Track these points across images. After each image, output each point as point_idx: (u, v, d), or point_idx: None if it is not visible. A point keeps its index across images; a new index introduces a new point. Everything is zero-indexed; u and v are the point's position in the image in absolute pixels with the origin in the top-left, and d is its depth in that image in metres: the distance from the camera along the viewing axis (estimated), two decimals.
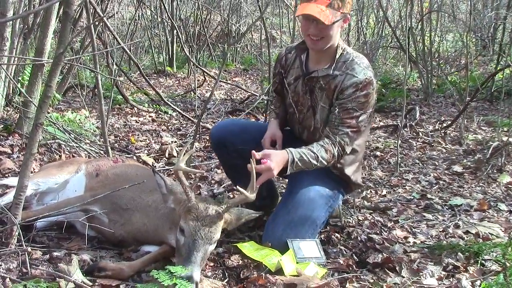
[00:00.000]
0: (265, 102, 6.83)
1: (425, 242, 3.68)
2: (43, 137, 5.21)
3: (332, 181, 3.69)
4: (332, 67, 3.48)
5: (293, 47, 3.80)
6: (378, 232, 3.83)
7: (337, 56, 3.50)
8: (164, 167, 5.38)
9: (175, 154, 5.82)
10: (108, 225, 3.30)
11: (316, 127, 3.64)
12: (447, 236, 3.80)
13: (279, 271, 3.03)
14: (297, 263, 3.16)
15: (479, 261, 3.26)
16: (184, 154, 3.07)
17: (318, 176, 3.60)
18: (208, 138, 6.57)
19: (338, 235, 3.76)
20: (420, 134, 7.32)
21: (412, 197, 4.77)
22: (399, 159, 5.79)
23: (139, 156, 5.41)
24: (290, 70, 3.76)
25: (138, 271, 2.95)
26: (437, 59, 11.28)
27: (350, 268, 3.22)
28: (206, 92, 10.71)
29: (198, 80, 10.65)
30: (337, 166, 3.65)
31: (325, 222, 3.73)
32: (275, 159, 3.23)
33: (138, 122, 7.61)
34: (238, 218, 3.13)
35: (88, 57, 9.28)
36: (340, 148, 3.45)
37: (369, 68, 3.51)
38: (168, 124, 7.63)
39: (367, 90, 3.42)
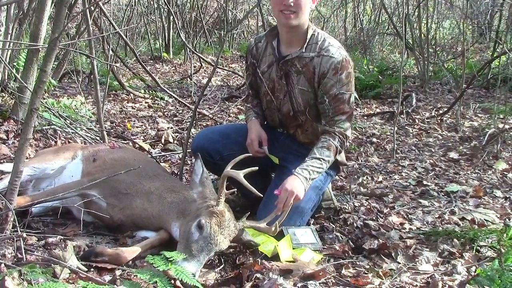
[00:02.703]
0: None
1: (421, 228, 3.69)
2: (39, 123, 5.18)
3: None
4: (305, 47, 3.50)
5: (262, 36, 3.80)
6: (374, 218, 3.83)
7: (308, 37, 3.51)
8: (160, 153, 5.37)
9: (171, 140, 5.81)
10: (106, 209, 3.30)
11: (298, 110, 3.63)
12: (442, 223, 3.81)
13: (276, 257, 3.04)
14: (293, 248, 3.17)
15: (475, 247, 3.28)
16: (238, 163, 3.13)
17: None
18: (204, 125, 6.57)
19: (334, 222, 3.78)
20: (417, 120, 7.32)
21: (408, 184, 4.77)
22: (396, 145, 5.79)
23: (135, 142, 5.40)
24: (262, 59, 3.75)
25: (135, 256, 2.96)
26: (434, 46, 11.26)
27: (346, 254, 3.23)
28: (203, 78, 10.69)
29: (195, 66, 10.62)
30: None
31: (317, 206, 3.74)
32: (292, 185, 3.24)
33: (134, 108, 7.59)
34: (239, 238, 3.12)
35: (84, 43, 9.23)
36: (341, 137, 3.49)
37: (342, 48, 3.55)
38: (164, 110, 7.61)
39: (347, 70, 3.45)
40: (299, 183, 3.27)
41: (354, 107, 3.56)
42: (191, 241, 2.87)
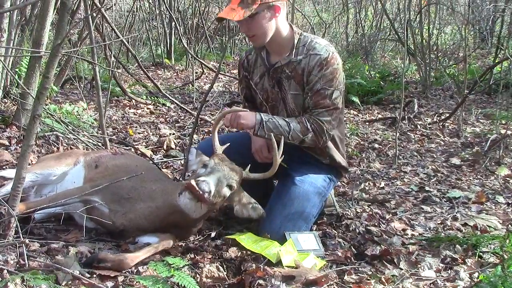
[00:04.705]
0: None
1: (423, 235, 3.69)
2: (41, 129, 5.19)
3: (323, 170, 3.71)
4: (293, 53, 3.51)
5: (252, 48, 3.82)
6: (376, 224, 3.83)
7: (296, 42, 3.53)
8: (162, 159, 5.37)
9: (173, 146, 5.82)
10: (108, 215, 3.29)
11: (294, 116, 3.61)
12: (445, 229, 3.80)
13: (279, 262, 3.04)
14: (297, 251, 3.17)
15: (477, 253, 3.27)
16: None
17: (310, 168, 3.64)
18: (206, 131, 6.58)
19: (336, 228, 3.77)
20: (419, 126, 7.32)
21: (410, 190, 4.77)
22: (398, 151, 5.79)
23: (137, 148, 5.40)
24: (254, 70, 3.77)
25: (137, 262, 2.95)
26: (436, 52, 11.27)
27: (349, 260, 3.22)
28: (205, 84, 10.70)
29: (196, 72, 10.64)
30: (329, 153, 3.68)
31: (320, 212, 3.74)
32: (244, 112, 3.41)
33: (136, 114, 7.60)
34: (246, 202, 3.24)
35: (86, 49, 9.26)
36: (315, 126, 3.45)
37: (330, 45, 3.54)
38: (166, 116, 7.62)
39: (332, 66, 3.43)
40: (251, 116, 3.40)
41: (339, 105, 3.51)
42: (199, 173, 3.10)
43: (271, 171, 3.31)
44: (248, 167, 3.30)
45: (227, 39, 14.13)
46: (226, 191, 3.13)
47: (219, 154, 3.23)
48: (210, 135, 3.53)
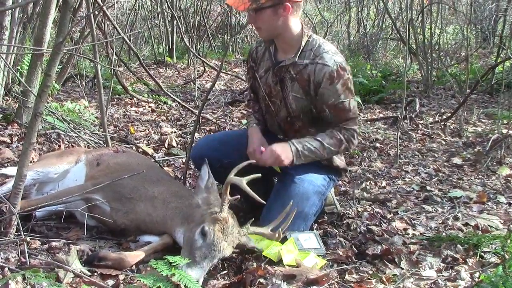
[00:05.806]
0: None
1: (425, 234, 3.68)
2: (42, 127, 5.19)
3: (323, 170, 3.70)
4: (298, 55, 3.49)
5: (263, 40, 3.80)
6: (377, 223, 3.83)
7: (303, 44, 3.50)
8: (163, 157, 5.37)
9: (174, 144, 5.82)
10: (110, 213, 3.30)
11: (295, 116, 3.63)
12: (446, 228, 3.79)
13: (280, 261, 3.04)
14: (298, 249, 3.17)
15: (478, 253, 3.26)
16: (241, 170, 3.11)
17: (309, 167, 3.61)
18: (207, 129, 6.58)
19: (337, 227, 3.77)
20: (420, 126, 7.30)
21: (412, 189, 4.76)
22: (399, 151, 5.78)
23: (139, 146, 5.40)
24: (260, 63, 3.76)
25: (138, 261, 2.95)
26: (437, 51, 11.25)
27: (350, 260, 3.22)
28: (206, 82, 10.69)
29: (198, 71, 10.63)
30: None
31: (320, 211, 3.74)
32: (279, 148, 3.35)
33: (138, 113, 7.59)
34: (243, 245, 3.12)
35: (88, 47, 9.26)
36: (348, 135, 3.50)
37: (337, 54, 3.51)
38: (168, 115, 7.61)
39: (342, 78, 3.42)
40: (287, 150, 3.38)
41: (357, 111, 3.53)
42: (195, 248, 2.86)
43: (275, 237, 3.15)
44: (250, 222, 3.14)
45: (229, 37, 14.11)
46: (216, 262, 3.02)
47: (223, 220, 2.94)
48: (210, 133, 3.47)
